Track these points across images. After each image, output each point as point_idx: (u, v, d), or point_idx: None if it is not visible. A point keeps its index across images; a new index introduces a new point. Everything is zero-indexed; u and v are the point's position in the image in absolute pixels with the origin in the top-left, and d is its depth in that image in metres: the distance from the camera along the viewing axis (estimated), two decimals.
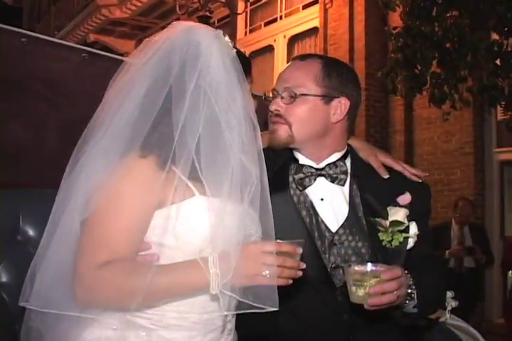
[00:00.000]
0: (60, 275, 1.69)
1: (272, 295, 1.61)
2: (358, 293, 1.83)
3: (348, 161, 2.27)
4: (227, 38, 1.85)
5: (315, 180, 2.21)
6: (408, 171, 2.34)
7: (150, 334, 1.72)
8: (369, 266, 1.85)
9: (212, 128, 1.69)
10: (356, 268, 1.85)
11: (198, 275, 1.61)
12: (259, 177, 1.70)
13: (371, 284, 1.81)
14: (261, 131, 2.19)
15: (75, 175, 1.74)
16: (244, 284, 1.62)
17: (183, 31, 1.81)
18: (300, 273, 1.67)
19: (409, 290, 1.99)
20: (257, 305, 1.61)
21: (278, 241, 1.68)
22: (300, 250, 1.68)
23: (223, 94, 1.72)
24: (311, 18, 10.81)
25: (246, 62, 1.94)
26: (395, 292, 1.84)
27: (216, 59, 1.75)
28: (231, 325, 1.88)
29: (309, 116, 2.17)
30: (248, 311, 1.64)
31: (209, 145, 1.68)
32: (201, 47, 1.75)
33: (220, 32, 1.86)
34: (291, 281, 1.65)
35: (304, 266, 1.68)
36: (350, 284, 1.85)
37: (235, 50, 1.84)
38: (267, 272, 1.60)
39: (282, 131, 2.17)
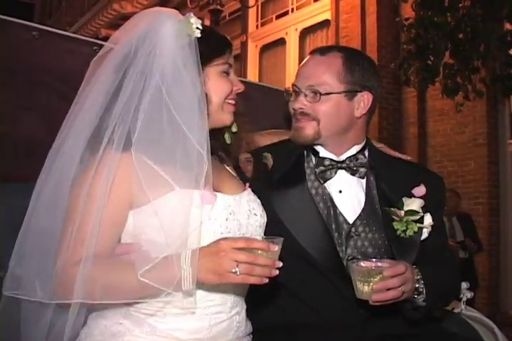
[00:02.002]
0: (36, 268, 1.68)
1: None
2: (363, 289, 1.84)
3: (366, 153, 2.29)
4: (193, 20, 1.77)
5: (336, 172, 2.22)
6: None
7: (154, 330, 1.72)
8: (374, 263, 1.86)
9: (159, 109, 1.65)
10: (362, 264, 1.86)
11: (169, 273, 1.55)
12: (208, 158, 1.65)
13: (375, 281, 1.82)
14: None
15: (46, 173, 1.75)
16: (213, 281, 1.57)
17: (142, 19, 1.81)
18: (276, 272, 1.57)
19: (417, 285, 1.98)
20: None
21: (251, 237, 1.63)
22: (275, 248, 1.58)
23: (172, 76, 1.68)
24: (322, 10, 10.75)
25: (220, 42, 1.90)
26: (400, 288, 1.85)
27: (168, 42, 1.72)
28: (240, 318, 1.87)
29: (335, 112, 2.18)
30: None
31: (156, 126, 1.65)
32: (152, 32, 1.73)
33: (189, 14, 1.81)
34: (266, 280, 1.56)
35: (280, 264, 1.58)
36: (355, 280, 1.86)
37: (198, 31, 1.77)
38: (237, 269, 1.52)
39: (310, 128, 2.18)
